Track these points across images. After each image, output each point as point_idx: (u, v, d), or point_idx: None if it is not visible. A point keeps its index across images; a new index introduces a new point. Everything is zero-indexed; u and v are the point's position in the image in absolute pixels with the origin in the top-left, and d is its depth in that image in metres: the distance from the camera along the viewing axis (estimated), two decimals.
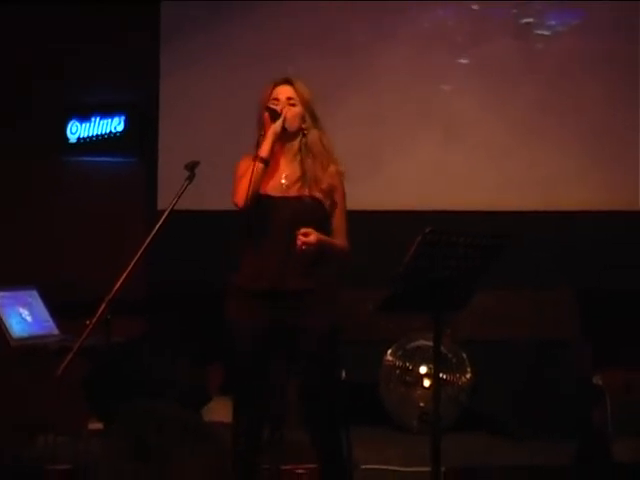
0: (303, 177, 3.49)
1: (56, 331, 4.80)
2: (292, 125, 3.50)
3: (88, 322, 3.17)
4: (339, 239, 3.53)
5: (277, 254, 3.39)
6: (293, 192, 3.47)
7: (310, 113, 3.54)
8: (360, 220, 5.98)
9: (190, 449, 3.48)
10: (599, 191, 6.15)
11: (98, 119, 6.79)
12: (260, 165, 3.40)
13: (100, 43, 6.62)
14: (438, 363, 3.44)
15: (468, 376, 5.84)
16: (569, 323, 5.99)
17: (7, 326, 4.55)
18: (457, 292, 3.23)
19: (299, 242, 3.32)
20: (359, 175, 6.14)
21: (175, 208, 3.32)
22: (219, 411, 5.73)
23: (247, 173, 3.40)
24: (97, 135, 6.80)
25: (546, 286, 6.02)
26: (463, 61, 6.34)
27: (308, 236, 3.33)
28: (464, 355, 5.86)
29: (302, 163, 3.51)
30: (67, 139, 6.80)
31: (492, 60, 6.32)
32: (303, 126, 3.53)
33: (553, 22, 6.27)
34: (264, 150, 3.43)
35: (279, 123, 3.45)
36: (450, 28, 6.36)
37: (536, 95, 6.28)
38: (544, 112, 6.27)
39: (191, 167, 3.38)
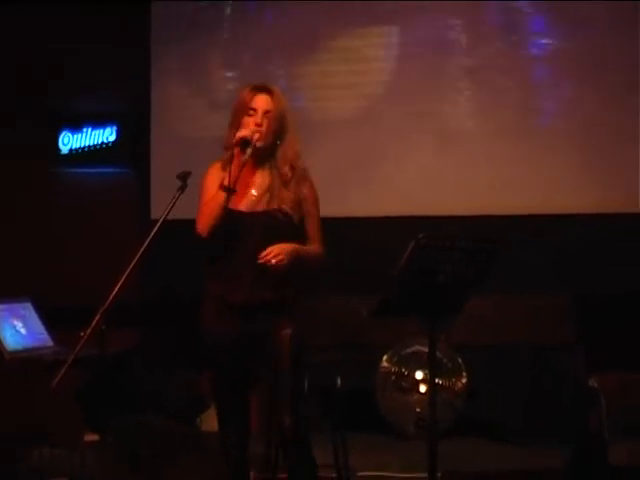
0: (270, 191, 3.45)
1: (50, 343, 4.78)
2: (265, 141, 3.44)
3: (82, 333, 3.16)
4: (314, 246, 3.50)
5: (249, 268, 3.37)
6: (262, 206, 3.45)
7: (283, 125, 3.48)
8: (354, 227, 6.07)
9: (184, 461, 3.47)
10: (595, 194, 6.15)
11: (90, 130, 6.78)
12: (223, 196, 3.36)
13: (90, 54, 6.61)
14: (434, 368, 3.44)
15: (464, 381, 5.83)
16: (564, 327, 5.99)
17: (1, 339, 4.53)
18: (452, 297, 3.23)
19: (268, 263, 3.32)
20: (352, 182, 6.22)
21: (168, 218, 3.31)
22: (216, 420, 5.71)
23: (211, 202, 3.39)
24: (89, 146, 6.79)
25: (541, 291, 6.02)
26: (457, 65, 6.33)
27: (270, 255, 3.32)
28: (460, 360, 5.86)
29: (272, 177, 3.47)
30: (59, 150, 6.78)
31: (486, 63, 6.32)
32: (277, 141, 3.49)
33: (548, 24, 6.27)
34: (231, 180, 3.37)
35: (249, 152, 3.39)
36: (445, 33, 6.35)
37: (531, 98, 6.28)
38: (539, 115, 6.27)
39: (183, 177, 3.36)
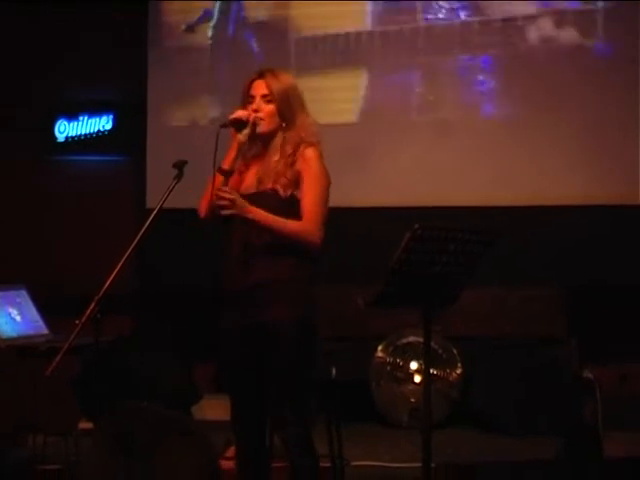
0: (269, 171, 3.37)
1: (46, 331, 4.77)
2: (267, 125, 3.38)
3: (77, 321, 3.15)
4: (303, 222, 3.32)
5: (237, 253, 3.32)
6: (255, 187, 3.37)
7: (287, 106, 3.38)
8: (349, 217, 6.07)
9: (179, 448, 3.46)
10: (592, 186, 6.15)
11: (86, 118, 6.78)
12: (220, 178, 3.33)
13: (87, 42, 6.61)
14: (428, 359, 3.44)
15: (459, 372, 5.84)
16: (559, 319, 6.00)
17: None
18: (447, 288, 3.22)
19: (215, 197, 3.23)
20: (348, 172, 6.20)
21: (164, 207, 3.30)
22: (210, 409, 5.72)
23: (209, 184, 3.35)
24: (85, 134, 6.78)
25: (535, 283, 6.03)
26: (453, 57, 6.32)
27: (221, 196, 3.21)
28: (454, 351, 5.87)
29: (277, 157, 3.38)
30: (55, 138, 6.77)
31: (483, 56, 6.31)
32: (282, 123, 3.40)
33: (545, 18, 6.26)
34: (226, 162, 3.35)
35: (245, 132, 3.35)
36: (441, 25, 6.34)
37: (528, 90, 6.28)
38: (536, 107, 6.27)
39: (179, 166, 3.34)
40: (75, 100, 6.77)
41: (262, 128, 3.38)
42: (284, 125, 3.41)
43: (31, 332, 4.71)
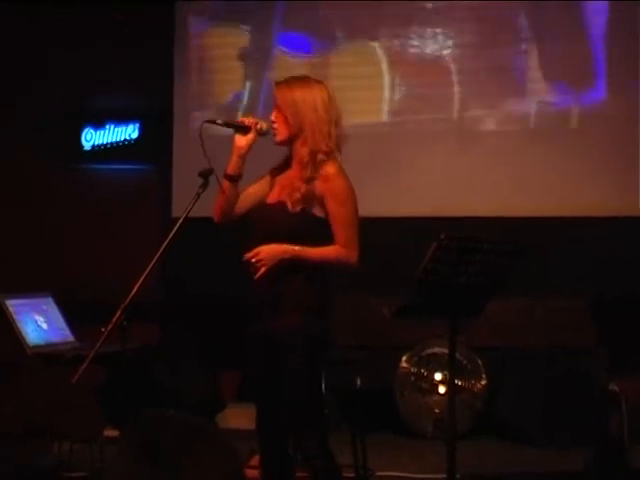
0: (288, 183, 3.40)
1: (72, 338, 4.80)
2: (281, 134, 3.40)
3: (103, 329, 3.17)
4: (338, 246, 3.34)
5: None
6: (274, 199, 3.41)
7: (295, 118, 3.37)
8: (374, 227, 6.06)
9: (205, 456, 3.47)
10: (618, 197, 6.11)
11: (113, 126, 6.82)
12: (225, 182, 3.37)
13: (114, 49, 6.66)
14: (453, 370, 3.43)
15: (483, 382, 5.83)
16: (585, 330, 5.97)
17: (23, 334, 4.55)
18: (473, 299, 3.22)
19: (252, 266, 3.28)
20: (372, 182, 6.20)
21: (189, 215, 3.32)
22: (234, 418, 5.74)
23: (219, 189, 3.40)
24: (112, 142, 6.82)
25: (562, 293, 6.00)
26: (476, 65, 6.32)
27: (253, 256, 3.27)
28: (479, 361, 5.85)
29: (295, 171, 3.42)
30: (82, 146, 6.82)
31: (505, 64, 6.30)
32: (296, 132, 3.40)
33: (563, 24, 6.25)
34: (229, 167, 3.39)
35: (249, 136, 3.39)
36: (464, 32, 6.35)
37: (550, 98, 6.26)
38: (558, 116, 6.25)
39: (205, 175, 3.36)
40: (101, 108, 6.81)
41: (277, 137, 3.42)
42: (297, 135, 3.42)
43: (57, 340, 4.74)
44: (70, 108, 6.76)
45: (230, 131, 3.48)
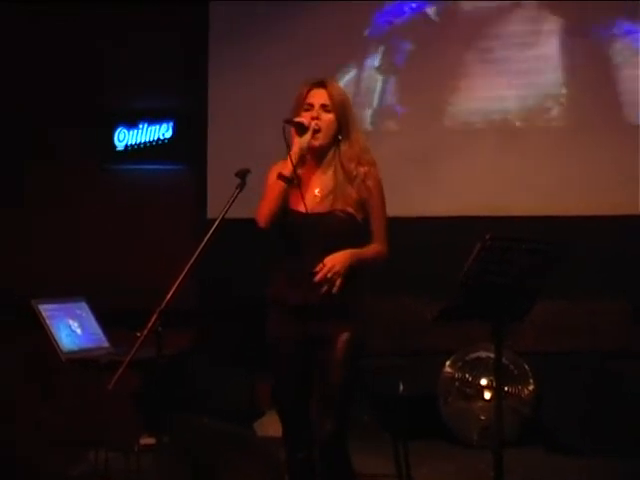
0: (335, 190, 3.46)
1: (106, 343, 4.86)
2: (325, 137, 3.46)
3: (139, 334, 3.20)
4: (376, 244, 3.49)
5: (308, 271, 3.38)
6: (325, 206, 3.46)
7: (345, 119, 3.48)
8: (414, 227, 6.07)
9: (244, 464, 3.50)
10: None
11: (146, 126, 6.87)
12: (282, 185, 3.41)
13: (147, 48, 6.71)
14: (500, 374, 3.43)
15: (531, 388, 5.80)
16: (630, 333, 5.92)
17: (57, 339, 4.61)
18: (518, 301, 3.22)
19: (323, 280, 3.32)
20: (411, 181, 6.21)
21: (226, 217, 3.35)
22: (272, 426, 5.76)
23: (268, 192, 3.44)
24: (145, 142, 6.87)
25: (604, 295, 5.96)
26: (516, 61, 6.30)
27: (324, 270, 3.33)
28: (526, 366, 5.83)
29: (335, 174, 3.48)
30: (114, 147, 6.88)
31: (546, 60, 6.27)
32: (338, 136, 3.48)
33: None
34: (288, 168, 3.41)
35: (306, 138, 3.42)
36: (505, 30, 6.33)
37: (594, 92, 6.22)
38: (605, 109, 6.21)
39: (242, 175, 3.38)
40: (135, 108, 6.86)
41: (319, 140, 3.46)
42: (340, 138, 3.46)
43: (92, 345, 4.80)
44: (102, 108, 6.81)
45: None
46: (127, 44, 6.75)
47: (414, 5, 6.41)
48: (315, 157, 3.50)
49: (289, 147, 3.41)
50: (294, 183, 3.41)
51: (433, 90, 6.40)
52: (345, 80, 6.31)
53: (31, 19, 6.75)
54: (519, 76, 6.31)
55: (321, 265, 3.33)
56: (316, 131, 3.44)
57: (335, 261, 3.34)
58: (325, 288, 3.33)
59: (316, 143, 3.45)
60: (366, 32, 6.50)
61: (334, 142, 3.49)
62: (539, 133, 6.29)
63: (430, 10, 6.42)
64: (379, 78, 6.47)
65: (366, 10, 6.49)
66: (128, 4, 6.63)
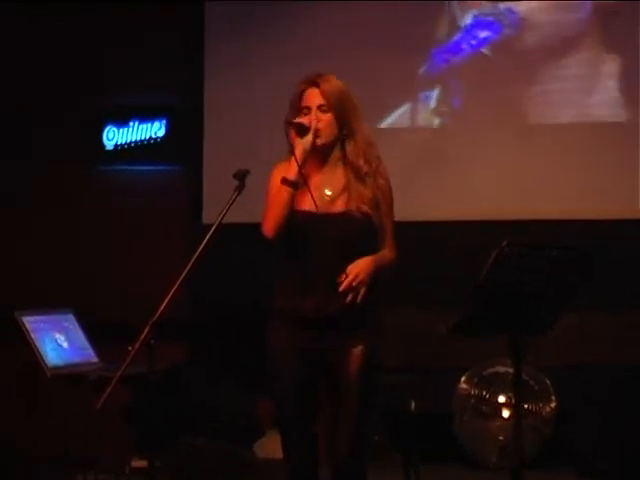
0: (348, 189, 3.47)
1: (95, 358, 4.86)
2: (326, 137, 3.47)
3: (130, 348, 3.19)
4: (388, 250, 3.53)
5: (323, 276, 3.40)
6: (339, 206, 3.47)
7: (345, 115, 3.49)
8: (429, 232, 6.07)
9: None
10: None
11: (137, 124, 6.87)
12: (288, 190, 3.41)
13: (139, 42, 6.72)
14: (519, 391, 3.43)
15: (552, 405, 5.80)
16: None
17: (42, 354, 4.62)
18: (540, 312, 3.22)
19: (350, 289, 3.34)
20: (425, 182, 6.21)
21: (223, 222, 3.35)
22: (273, 446, 5.75)
23: (274, 199, 3.44)
24: (136, 141, 6.87)
25: (632, 304, 5.96)
26: (538, 58, 6.30)
27: (350, 280, 3.34)
28: (547, 382, 5.82)
29: (346, 173, 3.50)
30: (103, 146, 6.89)
31: (571, 58, 6.28)
32: (341, 133, 3.49)
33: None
34: (292, 172, 3.41)
35: (308, 139, 3.43)
36: (526, 27, 6.33)
37: (620, 88, 6.22)
38: (629, 107, 6.21)
39: (241, 176, 3.37)
40: (124, 104, 6.87)
41: (322, 140, 3.47)
42: (344, 133, 3.48)
43: (79, 360, 4.80)
44: (90, 104, 6.82)
45: None
46: (118, 37, 6.76)
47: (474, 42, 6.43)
48: (320, 156, 3.51)
49: (292, 149, 3.42)
50: (299, 187, 3.42)
51: (445, 85, 6.41)
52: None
53: (31, 19, 6.78)
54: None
55: (344, 275, 3.34)
56: (318, 131, 3.45)
57: (359, 269, 3.36)
58: (350, 297, 3.34)
59: (319, 142, 3.46)
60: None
61: (338, 139, 3.51)
62: (561, 130, 6.29)
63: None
64: None
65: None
66: (127, 4, 6.64)
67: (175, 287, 3.27)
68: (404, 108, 6.44)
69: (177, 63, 6.71)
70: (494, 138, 6.29)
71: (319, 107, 3.47)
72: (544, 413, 5.80)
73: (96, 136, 6.86)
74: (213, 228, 3.32)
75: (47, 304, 5.05)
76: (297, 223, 3.43)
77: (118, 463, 4.75)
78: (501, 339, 3.37)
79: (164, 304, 3.25)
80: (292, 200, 3.42)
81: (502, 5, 6.34)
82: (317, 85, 3.49)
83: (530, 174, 6.23)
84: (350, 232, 3.42)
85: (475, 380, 5.90)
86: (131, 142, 6.88)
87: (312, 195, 3.41)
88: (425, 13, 6.44)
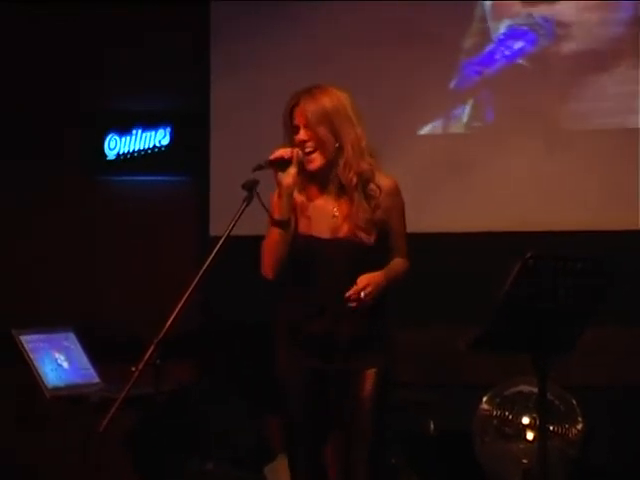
0: (353, 213, 3.47)
1: (97, 379, 4.86)
2: (321, 156, 3.47)
3: (134, 368, 3.20)
4: (401, 259, 3.58)
5: (331, 299, 3.42)
6: (345, 229, 3.48)
7: (332, 130, 3.45)
8: (449, 243, 6.06)
9: None
10: None
11: (140, 132, 6.89)
12: (277, 232, 3.43)
13: (142, 46, 6.74)
14: (544, 412, 3.42)
15: (579, 427, 5.77)
16: None
17: (41, 374, 4.62)
18: (563, 329, 3.22)
19: (355, 298, 3.38)
20: (445, 193, 6.20)
21: (231, 234, 3.35)
22: (285, 471, 5.75)
23: (266, 242, 3.46)
24: (139, 150, 6.89)
25: None
26: (574, 69, 6.31)
27: (358, 289, 3.38)
28: (574, 402, 5.80)
29: (350, 196, 3.48)
30: (105, 155, 6.90)
31: (598, 60, 6.29)
32: (335, 145, 3.46)
33: None
34: (277, 211, 3.42)
35: (290, 172, 3.42)
36: (562, 37, 6.34)
37: None
38: None
39: (250, 187, 3.38)
40: (127, 111, 6.89)
41: (316, 163, 3.47)
42: (337, 146, 3.46)
43: (80, 381, 4.81)
44: (91, 112, 6.83)
45: None
46: (121, 41, 6.78)
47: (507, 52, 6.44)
48: (320, 177, 3.51)
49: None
50: (289, 225, 3.44)
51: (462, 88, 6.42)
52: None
53: (31, 19, 6.81)
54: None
55: (356, 287, 3.37)
56: (310, 153, 3.45)
57: (369, 281, 3.39)
58: (354, 304, 3.37)
59: (313, 166, 3.46)
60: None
61: (332, 153, 3.47)
62: (585, 138, 6.28)
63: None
64: None
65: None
66: (129, 4, 6.67)
67: (181, 304, 3.27)
68: (435, 124, 6.46)
69: (181, 65, 6.72)
70: (525, 149, 6.28)
71: (305, 126, 3.47)
72: (570, 435, 5.78)
73: (97, 145, 6.87)
74: (221, 241, 3.33)
75: (46, 320, 5.06)
76: (303, 248, 3.47)
77: None
78: (524, 356, 3.37)
79: (170, 322, 3.25)
80: (286, 238, 3.44)
81: (537, 14, 6.35)
82: (298, 104, 3.49)
83: (561, 185, 6.22)
84: (356, 254, 3.45)
85: (497, 400, 5.88)
86: (134, 151, 6.89)
87: (317, 221, 3.47)
88: (455, 24, 6.45)
